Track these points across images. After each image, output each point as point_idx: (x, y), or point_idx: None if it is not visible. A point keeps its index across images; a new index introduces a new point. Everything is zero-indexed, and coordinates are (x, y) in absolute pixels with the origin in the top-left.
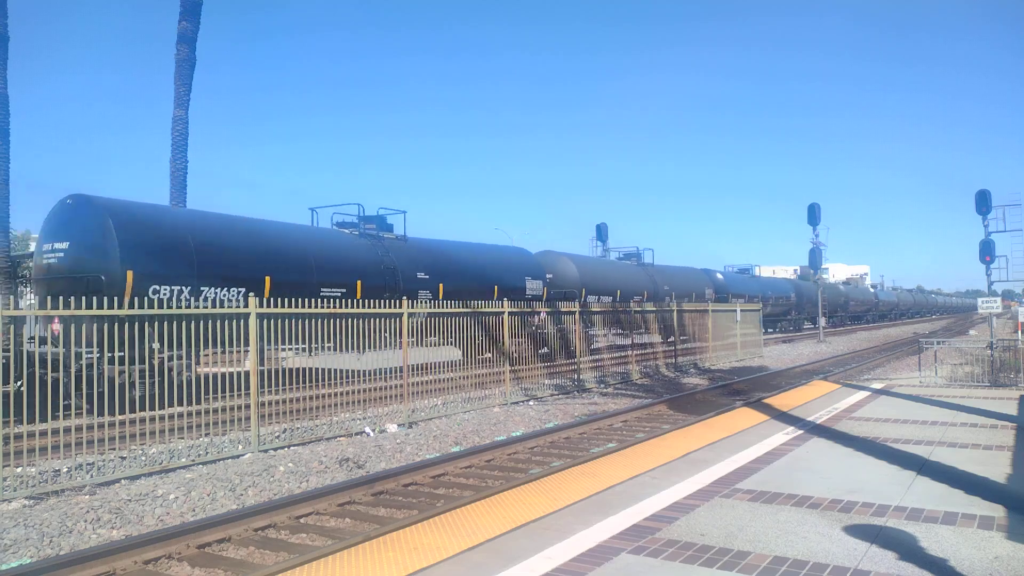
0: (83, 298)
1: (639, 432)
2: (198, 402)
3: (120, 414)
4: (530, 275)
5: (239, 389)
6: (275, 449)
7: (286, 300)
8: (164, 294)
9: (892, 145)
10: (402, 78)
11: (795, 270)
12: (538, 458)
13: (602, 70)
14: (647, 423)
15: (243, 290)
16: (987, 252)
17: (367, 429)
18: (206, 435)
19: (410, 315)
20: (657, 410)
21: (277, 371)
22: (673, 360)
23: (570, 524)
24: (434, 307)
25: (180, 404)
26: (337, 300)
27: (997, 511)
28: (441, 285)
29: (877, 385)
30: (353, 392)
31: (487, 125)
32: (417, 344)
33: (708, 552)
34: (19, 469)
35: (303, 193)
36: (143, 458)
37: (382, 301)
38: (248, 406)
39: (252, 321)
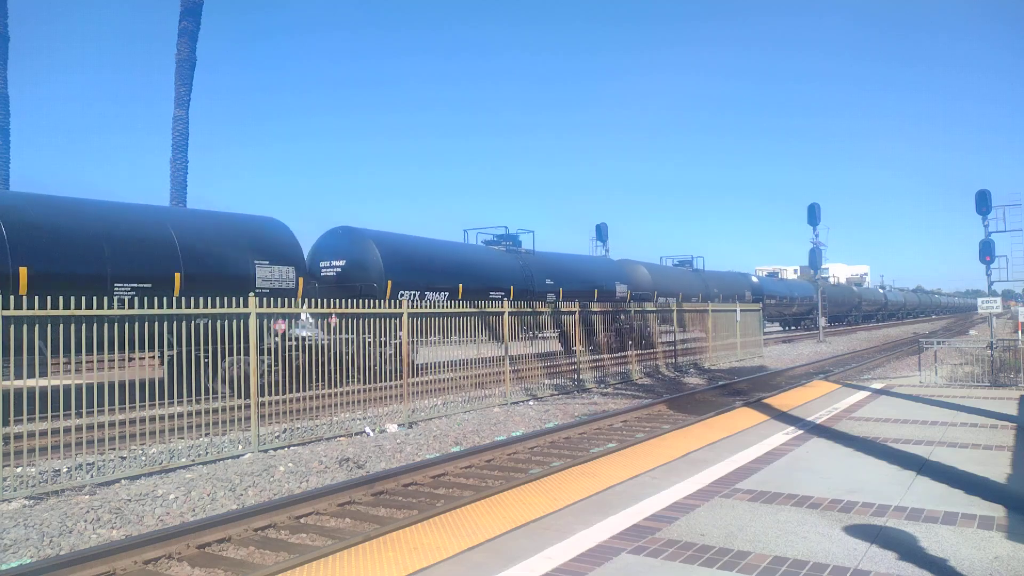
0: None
1: (639, 432)
2: (199, 402)
3: (121, 413)
4: (618, 280)
5: (239, 389)
6: (275, 449)
7: (288, 300)
8: (406, 297)
9: (892, 145)
10: (402, 78)
11: (795, 270)
12: (538, 458)
13: (602, 70)
14: (647, 423)
15: (447, 293)
16: (987, 252)
17: (367, 429)
18: (206, 435)
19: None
20: (657, 410)
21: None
22: (673, 360)
23: (570, 524)
24: (452, 308)
25: (181, 404)
26: (500, 301)
27: (997, 511)
28: (561, 289)
29: (877, 385)
30: (353, 392)
31: (487, 125)
32: (535, 337)
33: (708, 552)
34: (19, 469)
35: (304, 193)
36: (143, 458)
37: (526, 302)
38: (248, 406)
39: (252, 321)
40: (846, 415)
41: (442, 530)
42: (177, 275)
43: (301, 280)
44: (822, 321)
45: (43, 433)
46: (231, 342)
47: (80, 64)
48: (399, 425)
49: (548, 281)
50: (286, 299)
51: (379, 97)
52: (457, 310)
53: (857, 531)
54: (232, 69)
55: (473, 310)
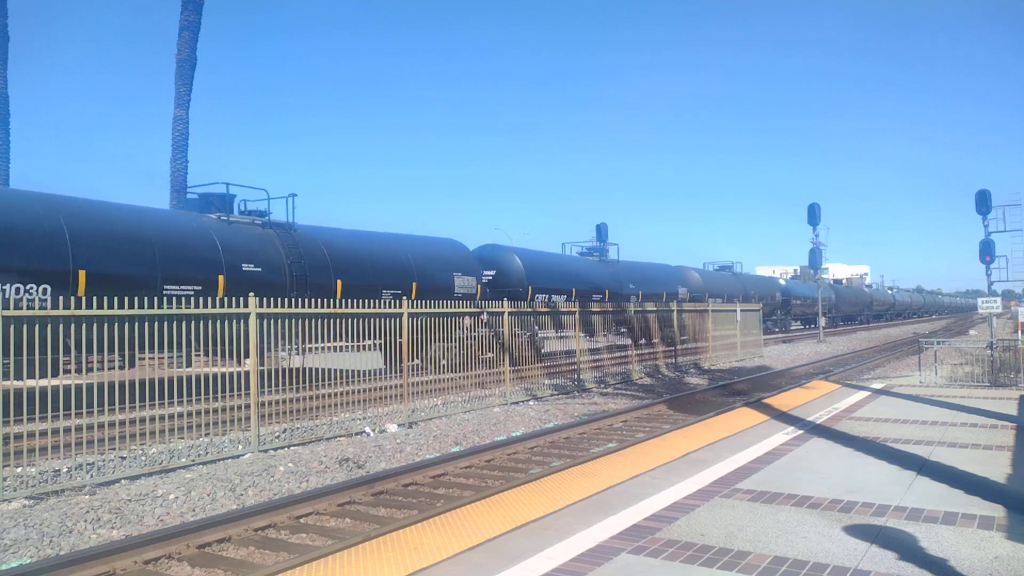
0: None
1: (639, 432)
2: (199, 402)
3: (121, 413)
4: (679, 284)
5: (239, 389)
6: (275, 449)
7: (286, 300)
8: (543, 298)
9: (892, 145)
10: (402, 78)
11: (795, 270)
12: (538, 458)
13: (602, 70)
14: (647, 423)
15: (565, 296)
16: (987, 252)
17: (367, 429)
18: (206, 435)
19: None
20: (657, 410)
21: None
22: (673, 360)
23: (570, 524)
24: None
25: (180, 404)
26: (601, 302)
27: (997, 511)
28: (640, 292)
29: (877, 385)
30: (353, 392)
31: (487, 125)
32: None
33: (708, 552)
34: (19, 469)
35: (305, 193)
36: (143, 458)
37: (616, 303)
38: (248, 406)
39: (252, 321)
40: (846, 415)
41: (442, 530)
42: (414, 284)
43: (479, 287)
44: (822, 321)
45: (43, 433)
46: (436, 332)
47: (80, 64)
48: (399, 425)
49: (631, 285)
50: (470, 301)
51: (379, 97)
52: (456, 310)
53: (857, 531)
54: (232, 69)
55: (473, 310)
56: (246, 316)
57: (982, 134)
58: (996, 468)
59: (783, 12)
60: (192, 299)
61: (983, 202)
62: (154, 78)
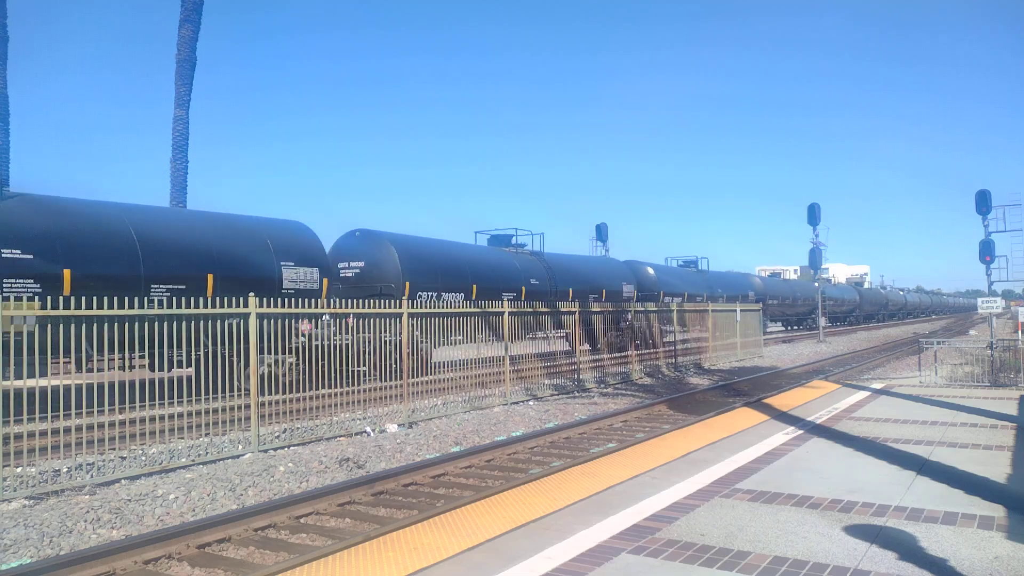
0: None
1: (639, 432)
2: (199, 402)
3: (121, 413)
4: (748, 288)
5: (239, 389)
6: (275, 449)
7: (288, 301)
8: (668, 300)
9: (892, 145)
10: (402, 78)
11: (795, 270)
12: (538, 458)
13: (602, 70)
14: (647, 423)
15: (680, 299)
16: (987, 252)
17: (367, 429)
18: (206, 435)
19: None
20: (657, 410)
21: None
22: (673, 360)
23: (570, 524)
24: (444, 308)
25: (180, 404)
26: (703, 301)
27: (997, 511)
28: (725, 296)
29: (877, 385)
30: (353, 392)
31: (487, 125)
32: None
33: (708, 552)
34: (19, 469)
35: (305, 193)
36: (143, 458)
37: (698, 303)
38: (248, 406)
39: (252, 321)
40: (846, 415)
41: (442, 530)
42: (603, 291)
43: (635, 292)
44: (822, 321)
45: (43, 433)
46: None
47: (80, 64)
48: (399, 425)
49: (719, 290)
50: (630, 301)
51: (379, 97)
52: (457, 310)
53: (857, 531)
54: (232, 69)
55: (475, 310)
56: (246, 316)
57: (982, 134)
58: (996, 468)
59: (783, 12)
60: (512, 303)
61: (983, 202)
62: (154, 78)
